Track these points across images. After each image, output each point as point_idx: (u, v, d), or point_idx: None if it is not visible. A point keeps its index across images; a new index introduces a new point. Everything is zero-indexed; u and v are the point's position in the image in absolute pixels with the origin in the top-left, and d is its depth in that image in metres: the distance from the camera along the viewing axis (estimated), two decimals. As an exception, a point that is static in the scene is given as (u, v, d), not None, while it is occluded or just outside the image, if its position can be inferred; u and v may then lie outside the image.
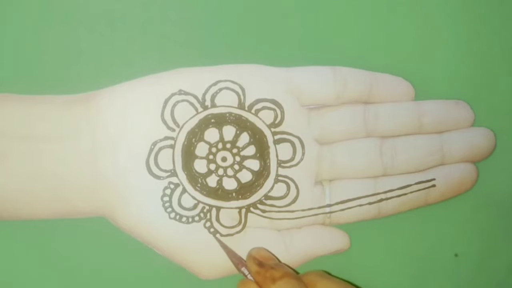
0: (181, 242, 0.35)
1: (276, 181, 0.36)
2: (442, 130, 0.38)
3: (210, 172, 0.36)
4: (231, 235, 0.36)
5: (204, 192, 0.36)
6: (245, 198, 0.36)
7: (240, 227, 0.36)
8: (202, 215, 0.36)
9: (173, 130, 0.35)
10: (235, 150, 0.36)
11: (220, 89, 0.35)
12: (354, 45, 0.37)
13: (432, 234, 0.39)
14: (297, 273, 0.35)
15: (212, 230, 0.36)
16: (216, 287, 0.37)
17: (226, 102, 0.36)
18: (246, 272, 0.35)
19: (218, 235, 0.35)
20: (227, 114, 0.36)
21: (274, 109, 0.36)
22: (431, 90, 0.38)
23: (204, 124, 0.36)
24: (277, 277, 0.33)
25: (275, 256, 0.36)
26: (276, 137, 0.36)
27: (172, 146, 0.35)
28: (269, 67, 0.36)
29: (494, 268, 0.40)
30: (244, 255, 0.36)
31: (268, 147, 0.36)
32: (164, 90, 0.35)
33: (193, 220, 0.35)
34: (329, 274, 0.36)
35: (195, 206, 0.36)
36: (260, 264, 0.34)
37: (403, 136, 0.37)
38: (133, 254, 0.37)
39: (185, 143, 0.35)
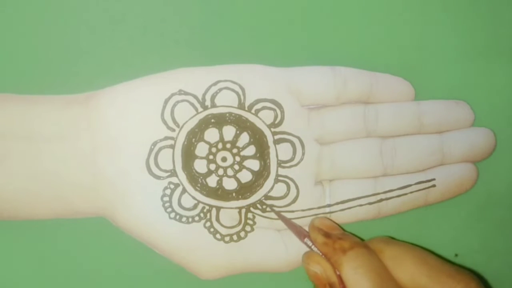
0: (181, 242, 0.35)
1: (276, 181, 0.36)
2: (442, 130, 0.38)
3: (210, 172, 0.36)
4: (231, 235, 0.36)
5: (204, 192, 0.36)
6: (245, 198, 0.36)
7: (240, 227, 0.36)
8: (202, 215, 0.36)
9: (173, 130, 0.35)
10: (235, 150, 0.36)
11: (220, 89, 0.35)
12: (354, 45, 0.37)
13: (432, 234, 0.39)
14: (362, 240, 0.35)
15: (212, 230, 0.36)
16: (216, 287, 0.37)
17: (226, 102, 0.36)
18: (309, 243, 0.34)
19: (275, 208, 0.35)
20: (227, 114, 0.36)
21: (274, 109, 0.36)
22: (431, 90, 0.38)
23: (204, 124, 0.36)
24: (347, 248, 0.32)
25: (338, 225, 0.35)
26: (276, 137, 0.36)
27: (172, 146, 0.35)
28: (269, 67, 0.36)
29: (494, 268, 0.40)
30: (244, 256, 0.36)
31: (268, 147, 0.36)
32: (164, 90, 0.35)
33: (193, 220, 0.35)
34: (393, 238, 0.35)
35: (195, 206, 0.36)
36: (327, 234, 0.34)
37: (403, 136, 0.37)
38: (133, 254, 0.37)
39: (185, 143, 0.35)
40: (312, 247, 0.34)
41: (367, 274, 0.31)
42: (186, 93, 0.35)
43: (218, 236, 0.36)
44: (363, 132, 0.37)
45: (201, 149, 0.36)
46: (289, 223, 0.35)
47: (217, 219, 0.36)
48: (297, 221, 0.36)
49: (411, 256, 0.32)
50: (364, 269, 0.32)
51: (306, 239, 0.34)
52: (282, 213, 0.35)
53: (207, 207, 0.36)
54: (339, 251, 0.33)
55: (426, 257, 0.32)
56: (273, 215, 0.36)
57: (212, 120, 0.36)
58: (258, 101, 0.36)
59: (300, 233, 0.35)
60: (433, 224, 0.39)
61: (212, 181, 0.36)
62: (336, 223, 0.35)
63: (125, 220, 0.35)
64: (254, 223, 0.36)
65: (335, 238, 0.33)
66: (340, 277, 0.32)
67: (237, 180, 0.36)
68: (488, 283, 0.39)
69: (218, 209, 0.36)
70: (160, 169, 0.35)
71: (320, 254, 0.34)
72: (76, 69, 0.36)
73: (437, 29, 0.38)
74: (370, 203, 0.37)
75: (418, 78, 0.37)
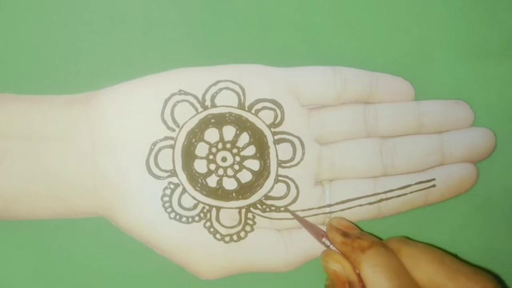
0: (181, 242, 0.35)
1: (276, 181, 0.36)
2: (442, 130, 0.38)
3: (210, 172, 0.36)
4: (231, 235, 0.36)
5: (204, 192, 0.36)
6: (245, 198, 0.36)
7: (240, 227, 0.36)
8: (202, 215, 0.36)
9: (173, 130, 0.35)
10: (235, 150, 0.36)
11: (220, 89, 0.35)
12: (354, 45, 0.37)
13: (432, 234, 0.39)
14: (381, 239, 0.35)
15: (212, 230, 0.36)
16: (216, 287, 0.37)
17: (226, 102, 0.36)
18: (327, 242, 0.34)
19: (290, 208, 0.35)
20: (227, 114, 0.36)
21: (274, 109, 0.36)
22: (431, 90, 0.38)
23: (204, 124, 0.36)
24: (366, 247, 0.33)
25: (356, 225, 0.35)
26: (276, 137, 0.36)
27: (172, 146, 0.35)
28: (269, 67, 0.36)
29: (495, 268, 0.40)
30: (244, 256, 0.36)
31: (268, 147, 0.36)
32: (164, 90, 0.35)
33: (193, 220, 0.35)
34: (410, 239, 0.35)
35: (195, 206, 0.36)
36: (345, 234, 0.34)
37: (403, 136, 0.37)
38: (133, 254, 0.37)
39: (185, 143, 0.35)
40: (330, 246, 0.34)
41: (386, 272, 0.32)
42: (186, 93, 0.35)
43: (218, 236, 0.36)
44: (363, 132, 0.37)
45: (201, 149, 0.36)
46: (305, 223, 0.35)
47: (217, 219, 0.36)
48: (297, 221, 0.36)
49: (429, 256, 0.33)
50: (383, 267, 0.32)
51: (324, 239, 0.35)
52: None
53: (207, 207, 0.36)
54: (358, 250, 0.33)
55: (444, 257, 0.33)
56: (273, 215, 0.36)
57: (212, 120, 0.36)
58: (258, 101, 0.36)
59: (318, 233, 0.35)
60: (433, 224, 0.39)
61: (212, 181, 0.36)
62: (354, 223, 0.36)
63: (125, 220, 0.35)
64: (254, 223, 0.36)
65: (353, 237, 0.34)
66: (359, 276, 0.32)
67: (237, 180, 0.36)
68: (506, 284, 0.39)
69: (218, 209, 0.36)
70: (160, 169, 0.35)
71: (339, 253, 0.34)
72: (76, 69, 0.36)
73: (437, 29, 0.38)
74: (370, 203, 0.37)
75: (418, 78, 0.37)
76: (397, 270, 0.32)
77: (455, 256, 0.36)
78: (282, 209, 0.36)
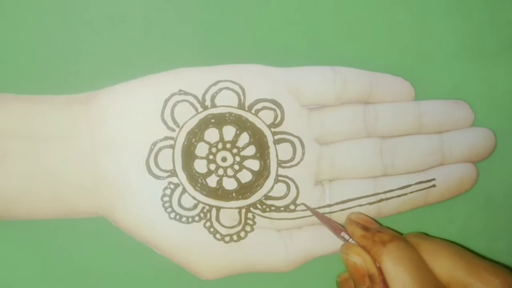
0: (181, 242, 0.35)
1: (276, 181, 0.36)
2: (442, 130, 0.38)
3: (210, 172, 0.36)
4: (231, 235, 0.36)
5: (204, 192, 0.36)
6: (245, 198, 0.36)
7: (240, 227, 0.36)
8: (202, 215, 0.36)
9: (173, 130, 0.35)
10: (235, 150, 0.36)
11: (220, 89, 0.35)
12: (354, 45, 0.37)
13: (432, 234, 0.39)
14: (401, 234, 0.35)
15: (212, 230, 0.36)
16: (216, 287, 0.37)
17: (226, 102, 0.36)
18: (346, 236, 0.34)
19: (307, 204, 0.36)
20: (227, 114, 0.36)
21: (274, 109, 0.36)
22: (431, 90, 0.38)
23: (204, 124, 0.36)
24: (386, 240, 0.33)
25: (375, 220, 0.36)
26: (276, 137, 0.36)
27: (172, 146, 0.35)
28: (269, 67, 0.36)
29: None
30: (244, 256, 0.36)
31: (268, 147, 0.36)
32: (164, 90, 0.35)
33: (193, 220, 0.35)
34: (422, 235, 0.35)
35: (195, 206, 0.36)
36: (365, 228, 0.34)
37: (403, 136, 0.37)
38: (133, 254, 0.37)
39: (185, 143, 0.35)
40: (350, 240, 0.34)
41: (408, 265, 0.32)
42: (186, 93, 0.35)
43: (218, 236, 0.36)
44: (363, 132, 0.37)
45: (201, 149, 0.36)
46: (323, 219, 0.35)
47: (217, 219, 0.36)
48: (297, 221, 0.36)
49: (448, 250, 0.33)
50: (404, 261, 0.32)
51: (342, 233, 0.34)
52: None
53: (207, 207, 0.36)
54: (379, 243, 0.33)
55: (462, 252, 0.33)
56: (273, 215, 0.36)
57: (212, 120, 0.36)
58: (258, 101, 0.36)
59: (336, 227, 0.35)
60: (433, 224, 0.39)
61: (212, 181, 0.36)
62: (373, 218, 0.36)
63: (125, 220, 0.35)
64: (254, 223, 0.36)
65: (374, 231, 0.34)
66: (379, 269, 0.32)
67: (237, 180, 0.36)
68: None
69: (218, 209, 0.36)
70: (160, 169, 0.35)
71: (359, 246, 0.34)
72: (76, 69, 0.36)
73: (437, 29, 0.38)
74: (370, 203, 0.37)
75: (418, 78, 0.37)
76: (418, 263, 0.32)
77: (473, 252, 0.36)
78: (299, 206, 0.36)
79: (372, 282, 0.32)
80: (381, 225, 0.36)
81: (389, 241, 0.33)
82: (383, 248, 0.33)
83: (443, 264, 0.32)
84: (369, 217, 0.36)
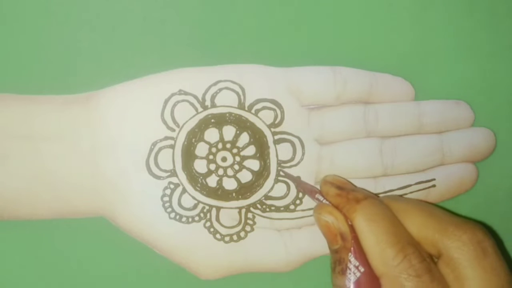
0: (181, 242, 0.35)
1: (276, 181, 0.36)
2: (442, 130, 0.38)
3: (210, 172, 0.36)
4: (231, 235, 0.36)
5: (204, 192, 0.36)
6: (245, 198, 0.36)
7: (240, 227, 0.36)
8: (202, 215, 0.36)
9: (173, 130, 0.35)
10: (235, 150, 0.36)
11: (220, 89, 0.35)
12: (354, 45, 0.37)
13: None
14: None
15: (212, 230, 0.36)
16: (216, 287, 0.37)
17: (226, 102, 0.36)
18: (321, 198, 0.34)
19: (284, 169, 0.36)
20: (227, 114, 0.36)
21: (274, 109, 0.36)
22: (431, 90, 0.38)
23: (204, 124, 0.36)
24: (360, 198, 0.33)
25: (350, 182, 0.36)
26: (276, 137, 0.36)
27: (172, 146, 0.35)
28: (269, 67, 0.36)
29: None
30: (244, 256, 0.36)
31: (268, 147, 0.36)
32: (164, 90, 0.35)
33: (193, 220, 0.35)
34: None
35: (195, 206, 0.36)
36: (340, 187, 0.34)
37: (403, 136, 0.37)
38: (133, 254, 0.37)
39: (185, 143, 0.35)
40: (324, 202, 0.34)
41: (381, 221, 0.31)
42: (186, 93, 0.35)
43: (218, 236, 0.36)
44: (363, 132, 0.37)
45: (201, 149, 0.36)
46: (298, 181, 0.36)
47: (217, 219, 0.36)
48: (297, 221, 0.36)
49: (418, 209, 0.32)
50: (378, 216, 0.32)
51: (317, 195, 0.34)
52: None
53: (207, 207, 0.36)
54: (352, 201, 0.33)
55: (432, 209, 0.32)
56: (273, 215, 0.36)
57: (212, 120, 0.36)
58: (258, 101, 0.36)
59: (311, 190, 0.35)
60: (433, 224, 0.39)
61: (212, 181, 0.36)
62: (348, 180, 0.36)
63: (125, 220, 0.35)
64: (254, 223, 0.36)
65: (348, 190, 0.34)
66: (351, 227, 0.32)
67: (237, 180, 0.36)
68: (496, 233, 0.39)
69: (218, 209, 0.36)
70: (160, 169, 0.35)
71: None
72: (76, 69, 0.36)
73: (437, 29, 0.38)
74: (370, 203, 0.37)
75: (418, 78, 0.37)
76: (392, 219, 0.32)
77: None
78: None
79: (344, 241, 0.32)
80: (355, 186, 0.36)
81: (363, 199, 0.32)
82: (356, 205, 0.32)
83: (413, 222, 0.32)
84: (344, 179, 0.36)
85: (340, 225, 0.32)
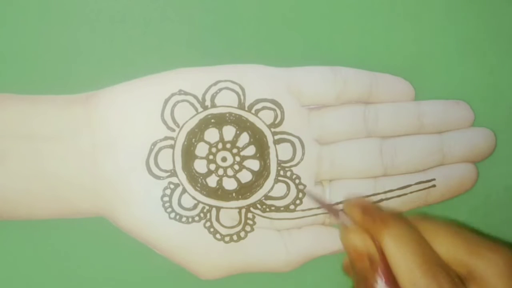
0: (181, 242, 0.35)
1: (276, 181, 0.36)
2: (442, 130, 0.38)
3: (210, 172, 0.36)
4: (231, 235, 0.36)
5: (204, 192, 0.36)
6: (245, 198, 0.36)
7: (240, 227, 0.36)
8: (202, 215, 0.36)
9: (173, 130, 0.35)
10: (235, 150, 0.36)
11: (220, 89, 0.35)
12: (354, 45, 0.37)
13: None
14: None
15: (212, 230, 0.36)
16: (216, 287, 0.37)
17: (226, 102, 0.36)
18: (346, 221, 0.34)
19: (307, 189, 0.36)
20: (227, 114, 0.36)
21: (274, 109, 0.36)
22: (431, 90, 0.38)
23: (204, 124, 0.36)
24: (387, 219, 0.32)
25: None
26: (276, 137, 0.36)
27: (172, 146, 0.35)
28: (269, 67, 0.36)
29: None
30: (244, 256, 0.36)
31: (268, 147, 0.36)
32: (164, 90, 0.35)
33: (193, 220, 0.35)
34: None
35: (195, 206, 0.36)
36: (365, 209, 0.33)
37: (403, 136, 0.37)
38: (133, 254, 0.37)
39: (185, 143, 0.35)
40: (348, 222, 0.34)
41: (409, 244, 0.31)
42: (186, 93, 0.35)
43: (218, 236, 0.36)
44: (363, 132, 0.37)
45: (201, 149, 0.36)
46: (322, 202, 0.35)
47: (217, 219, 0.36)
48: (297, 221, 0.36)
49: (447, 229, 0.32)
50: (406, 238, 0.31)
51: (342, 215, 0.34)
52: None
53: (207, 207, 0.36)
54: (379, 222, 0.32)
55: (462, 230, 0.32)
56: (273, 215, 0.36)
57: (212, 120, 0.36)
58: (258, 101, 0.36)
59: (335, 211, 0.35)
60: (433, 224, 0.39)
61: (212, 181, 0.36)
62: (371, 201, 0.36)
63: (125, 220, 0.35)
64: (254, 223, 0.36)
65: (374, 212, 0.33)
66: (380, 249, 0.32)
67: (237, 180, 0.36)
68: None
69: (218, 209, 0.36)
70: (160, 169, 0.35)
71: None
72: (76, 69, 0.36)
73: (437, 29, 0.38)
74: (370, 203, 0.37)
75: (418, 78, 0.37)
76: (420, 241, 0.31)
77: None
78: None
79: (372, 263, 0.32)
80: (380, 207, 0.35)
81: (389, 220, 0.32)
82: (384, 227, 0.32)
83: (442, 243, 0.32)
84: (368, 200, 0.36)
85: (368, 247, 0.32)
